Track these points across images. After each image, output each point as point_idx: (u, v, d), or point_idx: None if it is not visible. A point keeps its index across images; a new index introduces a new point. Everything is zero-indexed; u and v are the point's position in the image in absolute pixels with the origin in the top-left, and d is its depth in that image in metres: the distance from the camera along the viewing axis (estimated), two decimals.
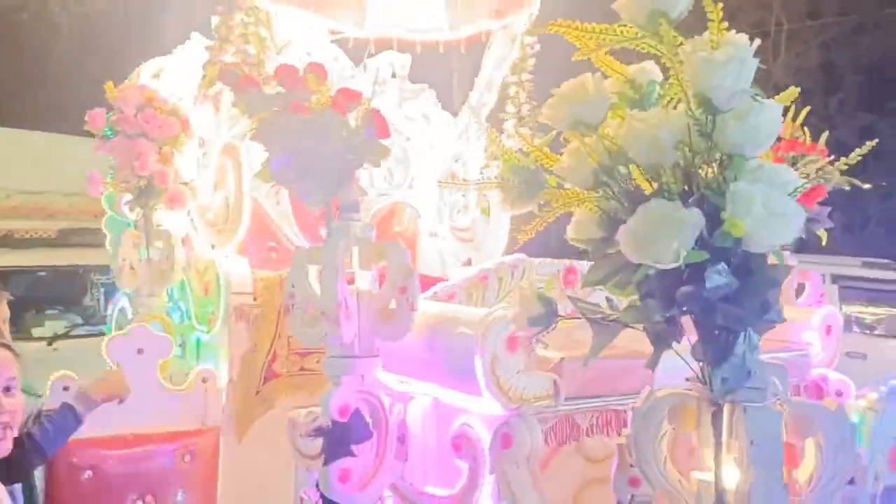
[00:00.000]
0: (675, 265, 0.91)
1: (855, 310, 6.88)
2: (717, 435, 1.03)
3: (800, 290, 2.96)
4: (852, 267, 6.62)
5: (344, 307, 1.80)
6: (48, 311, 6.30)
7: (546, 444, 1.83)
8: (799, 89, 1.01)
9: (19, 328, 5.87)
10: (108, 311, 3.91)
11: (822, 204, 1.75)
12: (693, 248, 0.91)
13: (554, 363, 1.92)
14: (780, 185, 0.92)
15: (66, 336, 6.13)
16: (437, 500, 1.93)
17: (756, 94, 0.93)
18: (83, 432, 2.57)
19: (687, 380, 1.09)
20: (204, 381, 2.88)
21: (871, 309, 6.85)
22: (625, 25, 0.97)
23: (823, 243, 1.95)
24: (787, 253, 1.19)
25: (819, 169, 1.04)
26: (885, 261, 6.69)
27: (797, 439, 1.06)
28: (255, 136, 1.91)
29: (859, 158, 1.26)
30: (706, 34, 0.94)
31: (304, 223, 3.56)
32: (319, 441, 2.31)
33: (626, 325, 1.08)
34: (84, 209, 7.15)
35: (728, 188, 0.92)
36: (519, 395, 1.80)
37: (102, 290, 6.77)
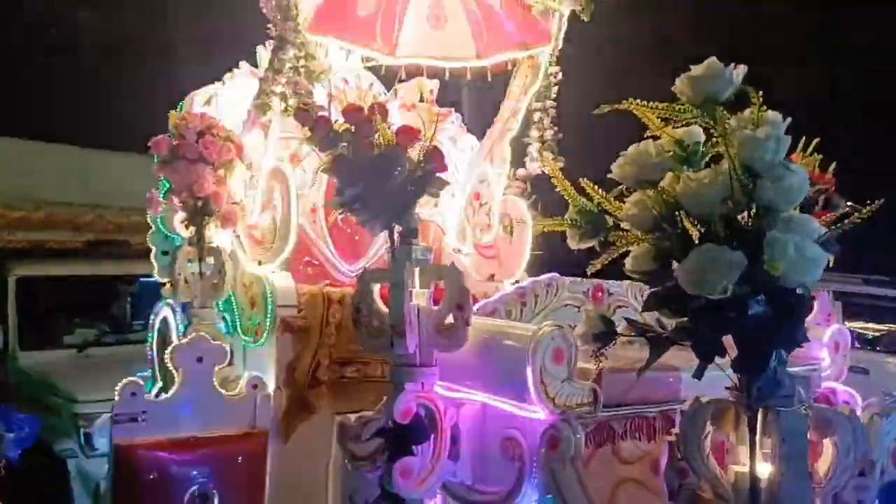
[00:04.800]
0: (722, 297, 1.14)
1: (857, 326, 7.10)
2: (752, 434, 1.26)
3: (809, 308, 3.21)
4: (854, 284, 6.84)
5: (408, 321, 2.03)
6: (76, 320, 6.45)
7: (585, 446, 2.05)
8: (820, 157, 1.25)
9: (51, 336, 6.08)
10: (150, 320, 4.11)
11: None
12: (737, 284, 1.15)
13: (593, 374, 2.15)
14: (808, 233, 1.16)
15: (96, 344, 6.28)
16: (485, 495, 2.15)
17: (787, 164, 1.17)
18: (149, 435, 2.81)
19: (727, 388, 1.31)
20: (254, 387, 3.11)
21: (871, 325, 7.09)
22: (682, 104, 1.21)
23: (831, 265, 2.18)
24: None
25: (839, 217, 1.26)
26: (886, 278, 6.93)
27: (817, 438, 1.28)
28: (327, 169, 2.14)
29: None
30: (747, 111, 1.18)
31: (339, 243, 3.78)
32: (369, 444, 2.53)
33: (677, 342, 1.32)
34: (110, 220, 7.33)
35: (765, 235, 1.15)
36: (563, 402, 2.03)
37: (129, 300, 6.94)
